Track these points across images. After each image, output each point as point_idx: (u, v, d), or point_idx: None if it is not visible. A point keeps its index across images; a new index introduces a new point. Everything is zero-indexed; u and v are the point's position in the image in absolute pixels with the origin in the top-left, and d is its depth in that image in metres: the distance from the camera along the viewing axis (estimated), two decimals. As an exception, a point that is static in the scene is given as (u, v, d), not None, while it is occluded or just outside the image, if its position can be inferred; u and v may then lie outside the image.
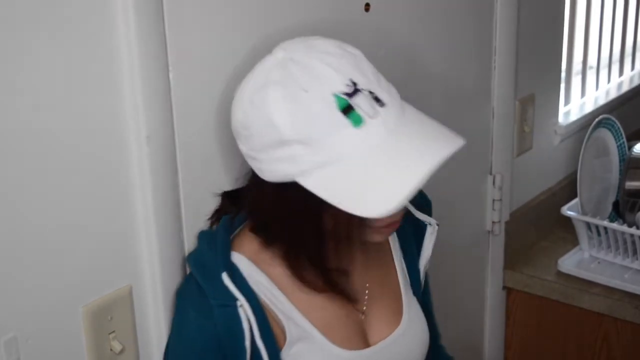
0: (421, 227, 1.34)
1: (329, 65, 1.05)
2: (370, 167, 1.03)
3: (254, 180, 1.13)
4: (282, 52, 1.08)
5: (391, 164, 1.04)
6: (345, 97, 1.03)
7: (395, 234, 1.31)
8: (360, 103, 1.04)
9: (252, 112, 1.07)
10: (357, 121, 1.03)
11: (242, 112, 1.08)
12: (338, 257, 1.15)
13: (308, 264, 1.14)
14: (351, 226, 1.09)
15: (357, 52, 1.10)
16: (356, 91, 1.04)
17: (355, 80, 1.05)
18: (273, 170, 1.07)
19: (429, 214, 1.35)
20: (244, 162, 1.14)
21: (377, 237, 1.15)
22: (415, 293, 1.31)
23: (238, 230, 1.21)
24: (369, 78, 1.07)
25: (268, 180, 1.09)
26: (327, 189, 1.04)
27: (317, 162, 1.04)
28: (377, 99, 1.05)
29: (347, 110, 1.03)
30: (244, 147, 1.11)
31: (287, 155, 1.05)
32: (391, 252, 1.30)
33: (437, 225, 1.34)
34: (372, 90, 1.06)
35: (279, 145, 1.05)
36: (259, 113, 1.06)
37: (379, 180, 1.03)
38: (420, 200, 1.36)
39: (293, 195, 1.07)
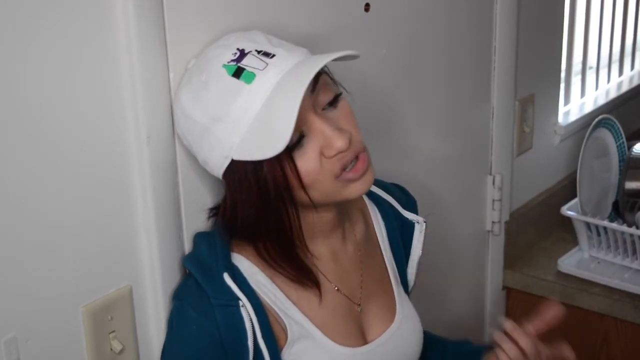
0: (409, 226, 1.34)
1: (218, 47, 1.12)
2: (268, 112, 1.06)
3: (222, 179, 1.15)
4: (192, 62, 1.16)
5: (282, 98, 1.06)
6: (232, 63, 1.09)
7: (383, 232, 1.32)
8: (249, 62, 1.08)
9: (179, 121, 1.14)
10: (249, 78, 1.07)
11: (177, 127, 1.16)
12: (299, 224, 1.14)
13: (276, 250, 1.14)
14: (295, 188, 1.09)
15: (256, 31, 1.15)
16: (242, 55, 1.09)
17: (242, 47, 1.10)
18: (215, 161, 1.11)
19: (416, 213, 1.36)
20: None
21: (350, 191, 1.13)
22: (404, 291, 1.32)
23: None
24: (258, 42, 1.11)
25: (220, 173, 1.12)
26: (247, 150, 1.07)
27: (234, 131, 1.08)
28: (267, 54, 1.09)
29: (238, 72, 1.08)
30: (197, 158, 1.16)
31: (213, 140, 1.09)
32: (381, 249, 1.31)
33: (425, 222, 1.34)
34: (260, 49, 1.10)
35: (204, 135, 1.10)
36: (181, 117, 1.13)
37: (275, 115, 1.05)
38: (405, 199, 1.37)
39: (238, 177, 1.10)
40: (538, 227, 2.13)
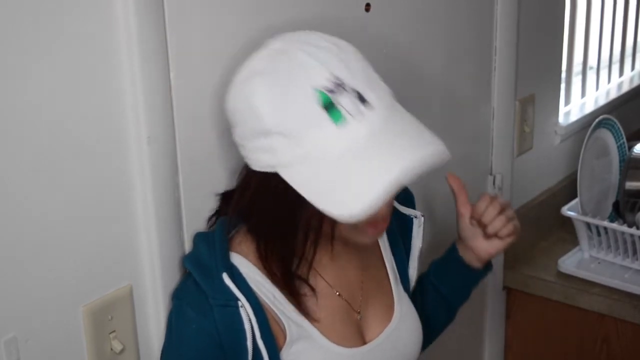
0: (407, 222, 1.34)
1: (315, 59, 1.04)
2: (344, 168, 1.02)
3: (244, 169, 1.13)
4: (277, 43, 1.08)
5: (365, 167, 1.02)
6: (327, 92, 1.02)
7: None
8: (343, 101, 1.02)
9: (239, 101, 1.07)
10: (338, 119, 1.02)
11: (232, 100, 1.09)
12: (314, 252, 1.14)
13: (276, 256, 1.14)
14: (327, 223, 1.09)
15: (351, 49, 1.09)
16: (340, 88, 1.03)
17: (341, 77, 1.03)
18: (256, 159, 1.08)
19: (413, 208, 1.36)
20: (240, 159, 1.15)
21: (361, 239, 1.14)
22: (405, 289, 1.32)
23: (235, 231, 1.21)
24: (356, 76, 1.05)
25: (254, 169, 1.09)
26: (303, 184, 1.04)
27: (296, 156, 1.04)
28: (362, 99, 1.04)
29: (329, 106, 1.02)
30: (234, 135, 1.11)
31: (268, 146, 1.05)
32: (380, 248, 1.31)
33: (423, 216, 1.34)
34: (358, 89, 1.04)
35: (261, 135, 1.05)
36: (244, 102, 1.06)
37: (349, 183, 1.01)
38: (403, 195, 1.36)
39: (274, 186, 1.07)
40: (538, 227, 2.13)
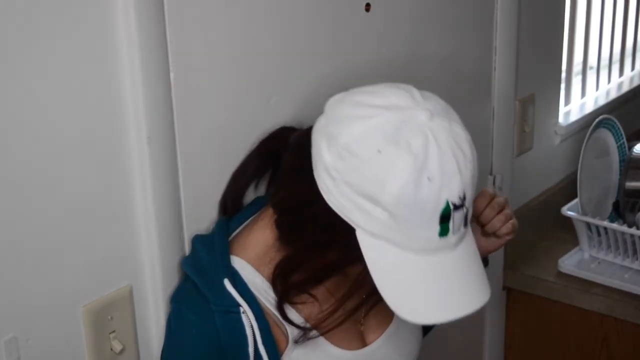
0: None
1: (459, 169, 1.03)
2: (424, 275, 1.05)
3: (309, 182, 1.07)
4: (426, 115, 1.04)
5: (442, 285, 1.06)
6: (452, 206, 1.03)
7: None
8: (457, 217, 1.04)
9: (372, 155, 1.02)
10: (444, 232, 1.04)
11: (360, 140, 1.03)
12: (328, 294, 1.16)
13: (289, 280, 1.13)
14: (367, 295, 1.11)
15: (476, 159, 1.08)
16: (462, 205, 1.04)
17: (467, 195, 1.05)
18: (343, 205, 1.04)
19: None
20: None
21: None
22: None
23: (235, 233, 1.20)
24: (473, 194, 1.08)
25: (329, 203, 1.05)
26: (376, 261, 1.04)
27: (388, 236, 1.03)
28: (466, 219, 1.07)
29: (445, 219, 1.03)
30: (329, 159, 1.04)
31: (369, 210, 1.03)
32: None
33: None
34: (469, 209, 1.06)
35: (369, 199, 1.02)
36: (378, 164, 1.02)
37: (424, 292, 1.05)
38: None
39: (341, 235, 1.06)
40: (538, 227, 2.13)
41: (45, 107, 1.04)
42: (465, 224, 1.07)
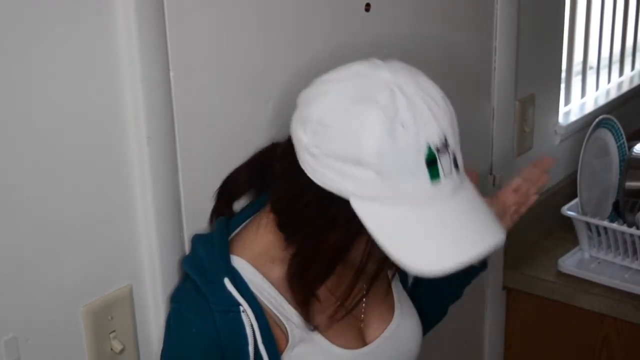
0: None
1: (433, 114, 1.03)
2: (428, 225, 1.03)
3: (296, 174, 1.07)
4: (389, 74, 1.05)
5: (449, 231, 1.04)
6: (435, 150, 1.03)
7: None
8: (444, 161, 1.04)
9: (343, 119, 1.03)
10: (435, 176, 1.03)
11: (329, 110, 1.04)
12: (341, 285, 1.15)
13: (305, 275, 1.13)
14: (378, 265, 1.09)
15: (453, 111, 1.09)
16: (444, 149, 1.04)
17: (448, 138, 1.05)
18: (330, 178, 1.04)
19: None
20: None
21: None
22: (403, 287, 1.33)
23: (234, 233, 1.20)
24: (456, 139, 1.07)
25: (316, 180, 1.05)
26: (378, 225, 1.03)
27: (381, 195, 1.02)
28: (456, 164, 1.06)
29: (432, 163, 1.02)
30: (307, 139, 1.05)
31: (355, 175, 1.02)
32: None
33: None
34: (455, 153, 1.06)
35: (352, 163, 1.02)
36: (350, 125, 1.02)
37: (433, 242, 1.03)
38: None
39: (337, 211, 1.05)
40: (538, 227, 2.13)
41: (45, 107, 1.04)
42: (457, 168, 1.06)
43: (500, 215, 1.32)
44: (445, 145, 1.04)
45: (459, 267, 1.02)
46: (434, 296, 1.40)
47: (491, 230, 1.07)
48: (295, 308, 1.16)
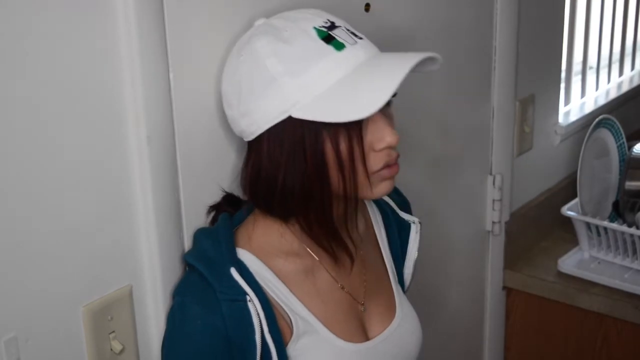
0: (405, 227, 1.35)
1: (303, 12, 1.15)
2: (356, 79, 1.08)
3: (249, 150, 1.15)
4: (261, 20, 1.17)
5: (375, 73, 1.09)
6: (323, 29, 1.11)
7: (382, 232, 1.32)
8: (339, 34, 1.11)
9: (241, 65, 1.12)
10: (339, 46, 1.10)
11: (231, 72, 1.14)
12: (343, 206, 1.16)
13: (315, 218, 1.14)
14: (353, 153, 1.10)
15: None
16: (334, 26, 1.12)
17: (333, 20, 1.13)
18: (266, 112, 1.10)
19: (410, 214, 1.38)
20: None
21: (378, 189, 1.15)
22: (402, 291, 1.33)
23: (237, 228, 1.21)
24: (344, 22, 1.15)
25: (263, 128, 1.11)
26: (319, 110, 1.08)
27: (307, 90, 1.08)
28: (354, 34, 1.13)
29: (328, 39, 1.10)
30: (233, 110, 1.14)
31: (277, 92, 1.09)
32: (379, 247, 1.32)
33: (420, 223, 1.35)
34: (349, 28, 1.14)
35: (269, 84, 1.09)
36: (247, 62, 1.12)
37: (366, 85, 1.08)
38: (400, 200, 1.38)
39: (289, 135, 1.09)
40: (538, 227, 2.13)
41: (44, 107, 1.04)
42: (357, 36, 1.13)
43: None
44: (333, 24, 1.13)
45: (401, 79, 1.06)
46: None
47: (422, 54, 1.12)
48: (300, 299, 1.16)
